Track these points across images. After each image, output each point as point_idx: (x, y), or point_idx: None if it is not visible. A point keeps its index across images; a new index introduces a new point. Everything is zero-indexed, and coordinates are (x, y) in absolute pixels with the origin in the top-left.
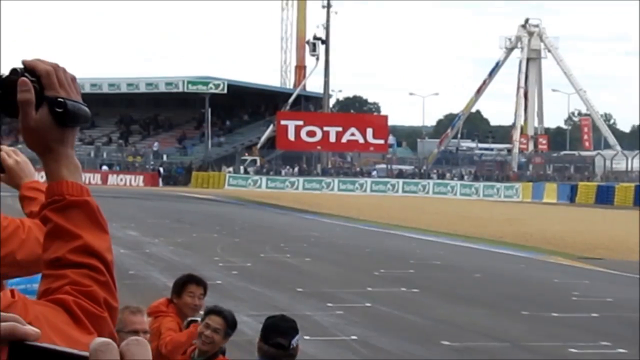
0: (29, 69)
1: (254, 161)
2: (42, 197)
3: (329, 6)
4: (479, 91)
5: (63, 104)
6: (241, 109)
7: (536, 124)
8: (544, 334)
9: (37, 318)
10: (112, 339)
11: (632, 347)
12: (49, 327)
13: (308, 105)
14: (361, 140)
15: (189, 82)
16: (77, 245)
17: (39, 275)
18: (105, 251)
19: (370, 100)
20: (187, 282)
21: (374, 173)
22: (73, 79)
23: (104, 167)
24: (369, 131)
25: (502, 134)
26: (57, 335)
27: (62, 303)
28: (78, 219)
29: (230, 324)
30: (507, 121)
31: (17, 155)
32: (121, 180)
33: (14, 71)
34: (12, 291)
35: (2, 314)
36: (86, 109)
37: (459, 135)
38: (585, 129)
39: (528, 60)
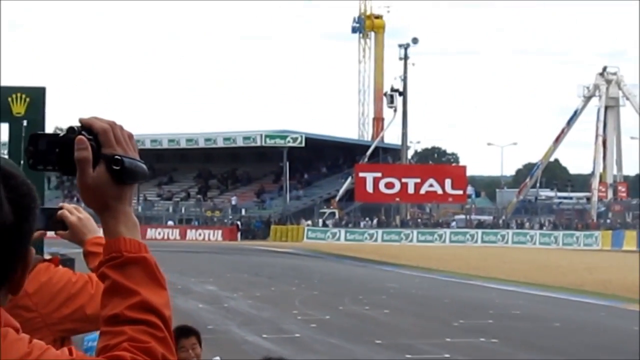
0: (86, 127)
1: (333, 214)
2: None
3: (406, 58)
4: (558, 140)
5: (120, 161)
6: (319, 162)
7: (615, 172)
8: None
9: None
10: None
11: None
12: None
13: (386, 157)
14: (440, 191)
15: (266, 136)
16: (135, 302)
17: None
18: (163, 307)
19: (448, 151)
20: (176, 338)
21: (453, 224)
22: (130, 136)
23: (169, 222)
24: (448, 182)
25: (581, 182)
26: None
27: None
28: (136, 275)
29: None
30: (586, 169)
31: (79, 212)
32: (200, 235)
33: (71, 129)
34: (69, 349)
35: None
36: (144, 165)
37: (537, 185)
38: None
39: (606, 108)
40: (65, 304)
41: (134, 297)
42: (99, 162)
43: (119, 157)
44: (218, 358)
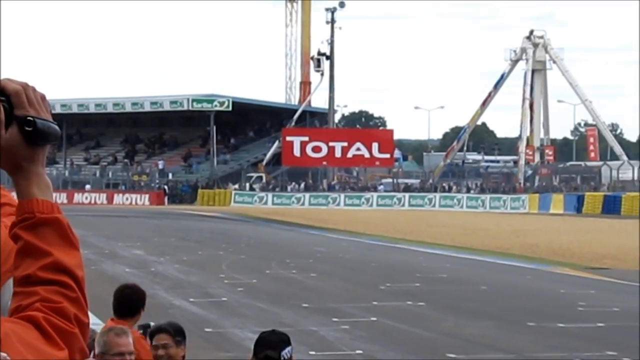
0: None
1: (260, 178)
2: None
3: (333, 22)
4: (485, 103)
5: (32, 122)
6: (246, 126)
7: (542, 135)
8: (550, 345)
9: (7, 335)
10: (82, 354)
11: (637, 356)
12: (20, 344)
13: (313, 121)
14: (367, 155)
15: (193, 100)
16: (48, 263)
17: None
18: (75, 267)
19: (375, 114)
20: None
21: (380, 187)
22: (43, 97)
23: (87, 186)
24: (375, 146)
25: (508, 145)
26: (29, 352)
27: (33, 320)
28: (48, 236)
29: (176, 332)
30: (513, 133)
31: None
32: (127, 199)
33: None
34: None
35: None
36: (56, 127)
37: (465, 148)
38: (591, 140)
39: (533, 71)
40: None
41: (46, 258)
42: (12, 123)
43: (31, 119)
44: (152, 323)
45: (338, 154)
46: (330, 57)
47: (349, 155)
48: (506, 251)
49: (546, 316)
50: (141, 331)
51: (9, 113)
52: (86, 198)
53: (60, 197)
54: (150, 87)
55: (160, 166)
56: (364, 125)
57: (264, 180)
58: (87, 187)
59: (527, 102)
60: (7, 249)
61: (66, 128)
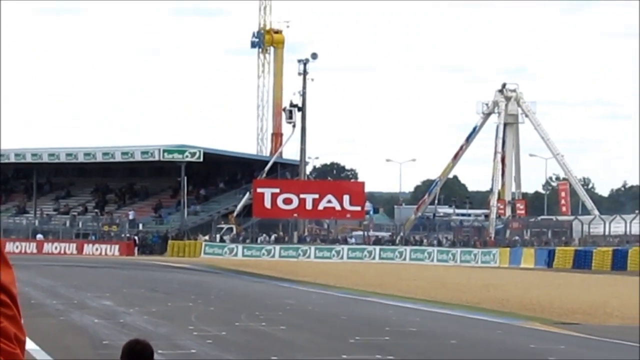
0: None
1: (230, 229)
2: None
3: (305, 73)
4: (456, 157)
5: None
6: (217, 177)
7: (514, 189)
8: None
9: None
10: None
11: None
12: None
13: (284, 172)
14: (338, 207)
15: (164, 151)
16: None
17: None
18: (10, 284)
19: (347, 166)
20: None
21: (351, 240)
22: None
23: (39, 236)
24: (346, 198)
25: (480, 199)
26: None
27: None
28: None
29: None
30: (484, 186)
31: None
32: (97, 249)
33: None
34: None
35: None
36: None
37: (436, 201)
38: (563, 194)
39: (505, 125)
40: None
41: None
42: None
43: None
44: None
45: (309, 206)
46: (302, 109)
47: (320, 207)
48: (476, 305)
49: None
50: None
51: None
52: (56, 248)
53: (30, 247)
54: (121, 137)
55: (131, 216)
56: (335, 177)
57: (234, 231)
58: (39, 236)
59: (499, 156)
60: None
61: (37, 177)
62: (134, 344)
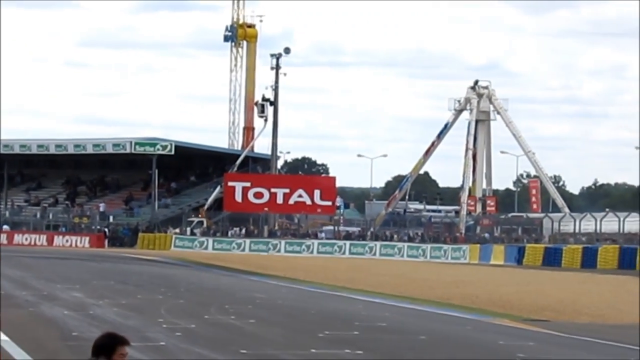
0: None
1: (201, 223)
2: None
3: (277, 68)
4: (428, 153)
5: None
6: (188, 170)
7: (484, 186)
8: None
9: None
10: None
11: None
12: None
13: (256, 166)
14: (309, 202)
15: (136, 144)
16: None
17: None
18: None
19: (318, 161)
20: (117, 344)
21: (322, 235)
22: None
23: (5, 227)
24: (317, 193)
25: (451, 195)
26: None
27: None
28: None
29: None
30: (455, 183)
31: None
32: (67, 241)
33: None
34: None
35: None
36: None
37: (407, 197)
38: (534, 191)
39: (477, 122)
40: None
41: None
42: None
43: None
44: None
45: (280, 200)
46: (274, 103)
47: (291, 202)
48: (446, 301)
49: None
50: None
51: None
52: (26, 239)
53: (0, 238)
54: (93, 130)
55: (102, 209)
56: (306, 172)
57: (204, 225)
58: (5, 227)
59: (470, 153)
60: None
61: (8, 169)
62: (106, 337)
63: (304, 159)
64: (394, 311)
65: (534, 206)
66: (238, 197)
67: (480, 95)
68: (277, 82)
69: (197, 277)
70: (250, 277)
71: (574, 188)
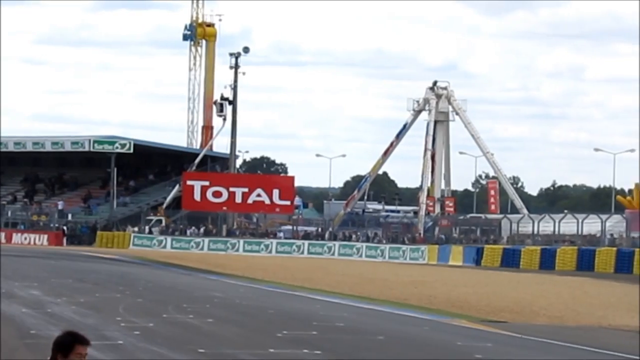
0: None
1: (159, 221)
2: None
3: (236, 67)
4: (386, 153)
5: None
6: (147, 169)
7: (443, 187)
8: None
9: None
10: None
11: None
12: None
13: (214, 165)
14: (267, 202)
15: (95, 142)
16: None
17: None
18: None
19: (277, 161)
20: (75, 343)
21: (280, 234)
22: None
23: None
24: (276, 192)
25: (409, 196)
26: None
27: None
28: None
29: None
30: (414, 183)
31: None
32: (25, 239)
33: None
34: None
35: None
36: None
37: (365, 197)
38: (492, 192)
39: (436, 122)
40: None
41: None
42: None
43: None
44: None
45: (238, 199)
46: (233, 102)
47: (250, 201)
48: (404, 301)
49: None
50: None
51: None
52: None
53: None
54: (51, 127)
55: (60, 207)
56: (265, 171)
57: (163, 223)
58: None
59: (429, 153)
60: None
61: None
62: (67, 336)
63: (262, 158)
64: (352, 311)
65: (493, 207)
66: (197, 196)
67: (439, 96)
68: (236, 81)
69: (156, 275)
70: (209, 276)
71: (532, 189)
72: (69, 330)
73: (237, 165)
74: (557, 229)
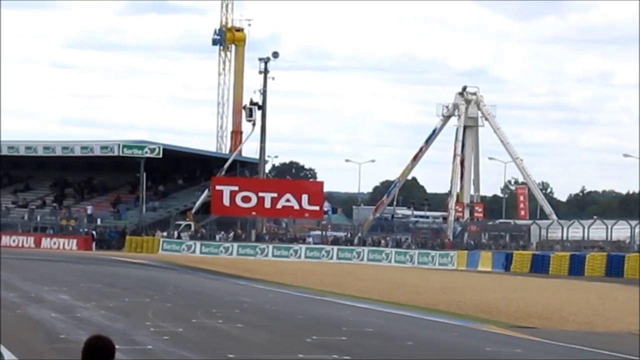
0: None
1: (188, 226)
2: None
3: (266, 71)
4: (416, 158)
5: None
6: (176, 173)
7: (472, 192)
8: None
9: None
10: None
11: None
12: None
13: (243, 170)
14: (296, 207)
15: (124, 146)
16: None
17: None
18: None
19: (306, 166)
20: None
21: (309, 239)
22: None
23: None
24: (305, 197)
25: (438, 201)
26: None
27: None
28: None
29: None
30: (443, 189)
31: None
32: (54, 243)
33: None
34: None
35: None
36: None
37: (394, 203)
38: (521, 198)
39: (465, 128)
40: None
41: None
42: None
43: None
44: None
45: (267, 204)
46: (262, 107)
47: (279, 206)
48: (433, 307)
49: None
50: None
51: None
52: (14, 241)
53: None
54: (81, 132)
55: (89, 211)
56: (294, 176)
57: (192, 228)
58: None
59: (458, 159)
60: None
61: None
62: (95, 340)
63: (291, 163)
64: (381, 317)
65: (522, 213)
66: (226, 201)
67: (468, 101)
68: (265, 86)
69: (184, 280)
70: (238, 281)
71: (561, 195)
72: (97, 334)
73: (266, 170)
74: (586, 235)
